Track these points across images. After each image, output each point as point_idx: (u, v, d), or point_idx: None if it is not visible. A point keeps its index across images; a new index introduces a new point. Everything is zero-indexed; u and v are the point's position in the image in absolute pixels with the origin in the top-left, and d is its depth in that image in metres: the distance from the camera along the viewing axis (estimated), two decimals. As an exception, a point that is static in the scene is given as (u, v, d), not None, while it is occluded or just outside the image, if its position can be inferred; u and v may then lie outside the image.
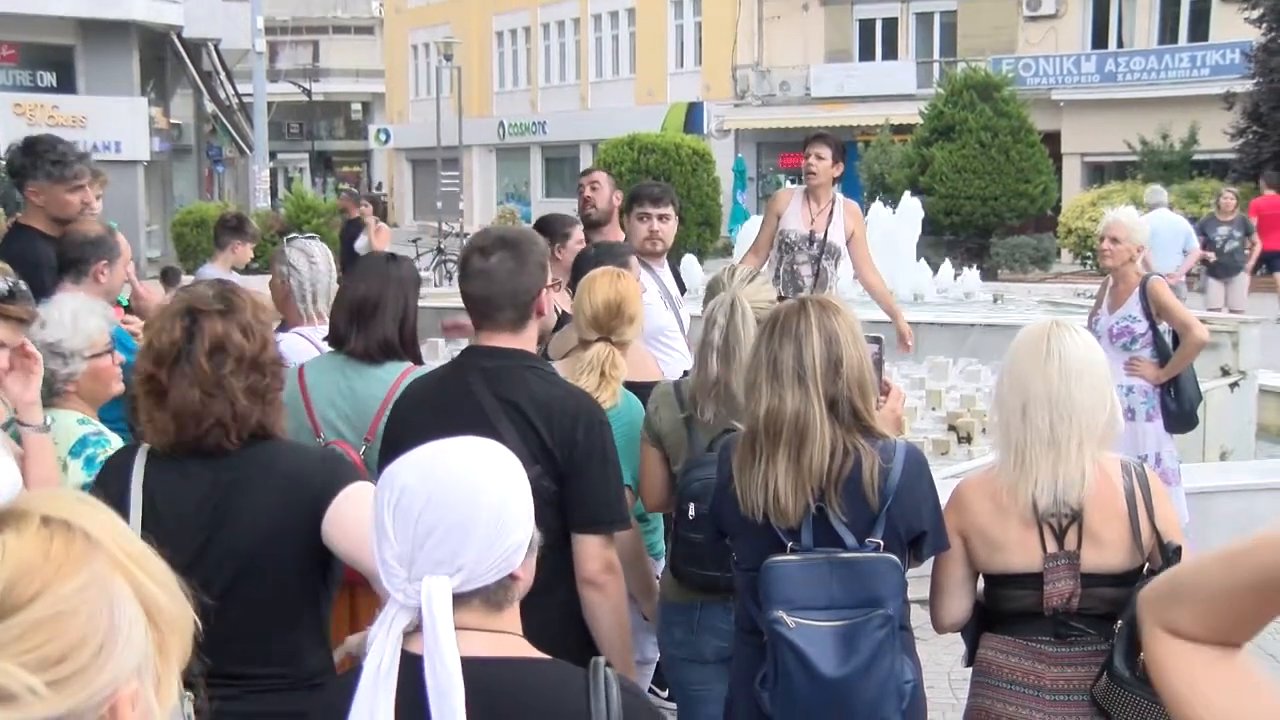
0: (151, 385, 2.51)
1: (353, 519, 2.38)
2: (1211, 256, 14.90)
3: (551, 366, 3.28)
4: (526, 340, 3.06)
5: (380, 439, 3.26)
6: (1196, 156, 26.53)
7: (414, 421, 3.03)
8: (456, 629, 1.72)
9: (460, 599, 1.73)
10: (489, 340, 3.03)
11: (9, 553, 1.01)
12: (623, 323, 3.67)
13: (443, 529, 1.70)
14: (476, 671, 1.71)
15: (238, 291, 2.61)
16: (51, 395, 3.37)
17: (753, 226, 13.90)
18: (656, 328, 5.43)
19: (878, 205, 15.98)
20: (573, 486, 2.91)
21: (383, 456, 3.15)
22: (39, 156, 4.93)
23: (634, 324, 3.72)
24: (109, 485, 2.54)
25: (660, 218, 5.66)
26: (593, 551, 2.91)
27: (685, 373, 4.17)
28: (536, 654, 1.81)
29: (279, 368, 2.60)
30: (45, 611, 1.00)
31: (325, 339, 3.85)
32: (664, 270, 5.74)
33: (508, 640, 1.78)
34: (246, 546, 2.46)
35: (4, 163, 5.16)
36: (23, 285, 3.13)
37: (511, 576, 1.77)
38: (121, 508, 2.46)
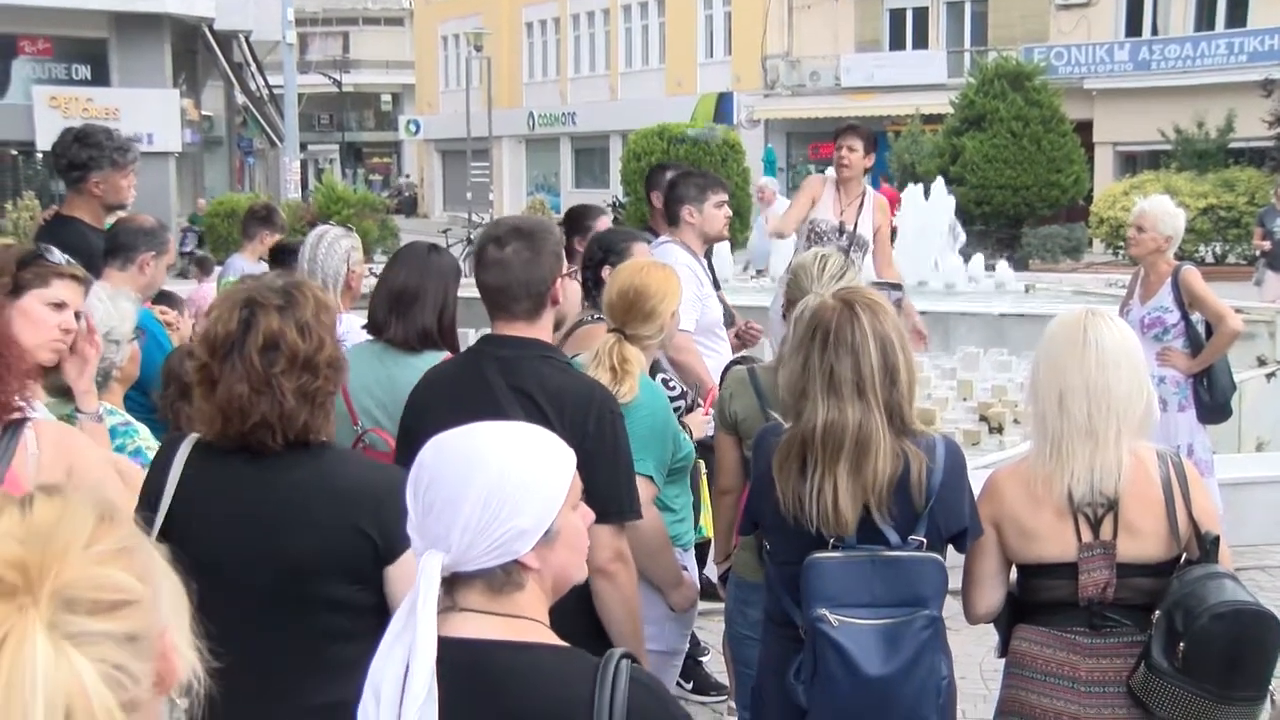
0: (204, 374, 2.46)
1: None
2: (1267, 245, 14.56)
3: (565, 356, 3.27)
4: (542, 329, 3.06)
5: None
6: (1233, 145, 26.23)
7: (428, 407, 3.07)
8: (460, 610, 1.74)
9: (462, 580, 1.74)
10: (505, 329, 3.04)
11: (82, 499, 1.11)
12: (636, 317, 3.57)
13: (438, 506, 1.73)
14: (478, 653, 1.71)
15: (303, 288, 2.54)
16: (109, 382, 3.44)
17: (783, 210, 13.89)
18: (713, 320, 5.40)
19: (911, 191, 15.87)
20: (583, 476, 2.90)
21: (399, 440, 3.19)
22: (101, 147, 4.96)
23: (653, 321, 3.59)
24: (154, 474, 2.54)
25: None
26: (603, 541, 2.89)
27: (742, 359, 4.14)
28: (553, 641, 1.80)
29: (335, 371, 2.52)
30: (125, 543, 1.11)
31: (364, 326, 3.88)
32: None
33: (521, 625, 1.76)
34: (289, 555, 2.40)
35: (55, 156, 5.16)
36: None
37: (519, 565, 1.75)
38: (159, 491, 2.48)
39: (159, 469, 2.55)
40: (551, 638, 1.80)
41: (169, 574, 1.15)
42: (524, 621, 1.77)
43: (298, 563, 2.40)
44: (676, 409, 3.96)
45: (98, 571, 1.06)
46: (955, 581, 3.10)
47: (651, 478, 3.34)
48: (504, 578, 1.75)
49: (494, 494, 1.72)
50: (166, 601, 1.12)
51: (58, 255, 3.18)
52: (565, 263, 3.12)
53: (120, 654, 1.04)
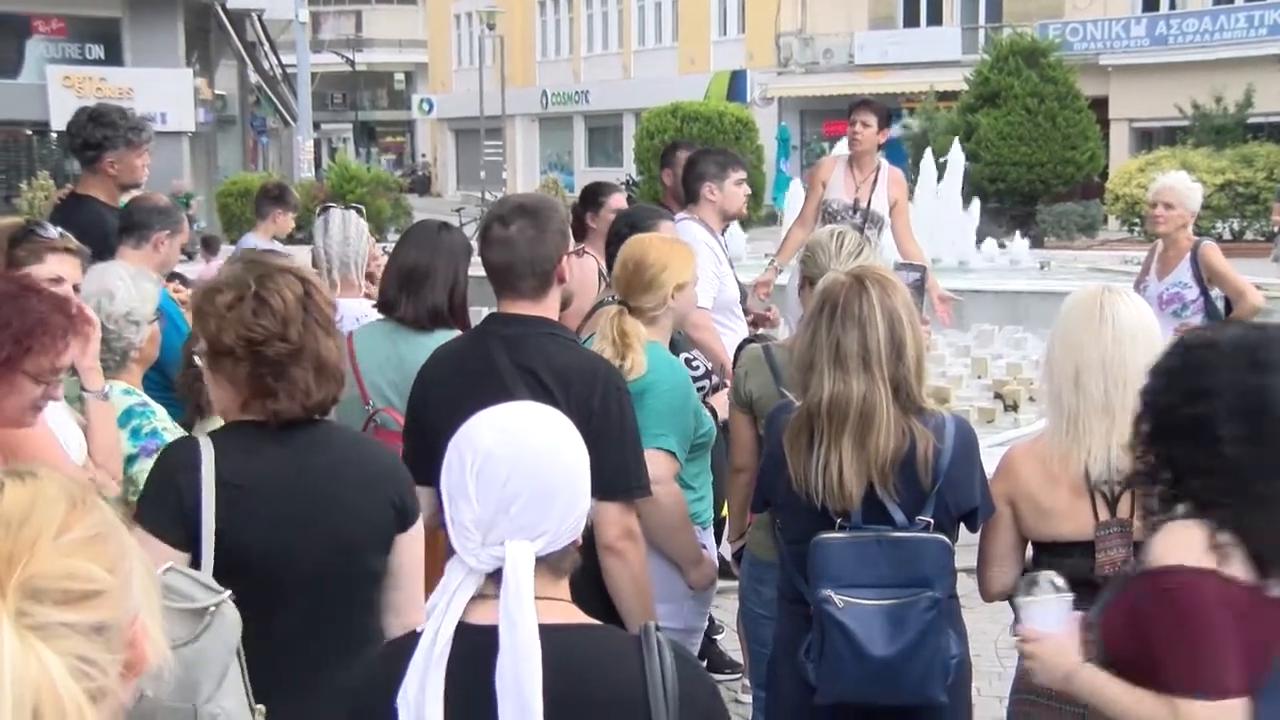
0: (279, 347, 2.37)
1: (416, 559, 2.47)
2: None
3: (571, 333, 3.26)
4: (547, 308, 3.06)
5: None
6: (1251, 120, 26.00)
7: (435, 386, 3.08)
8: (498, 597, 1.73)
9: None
10: (510, 308, 3.04)
11: (54, 484, 1.11)
12: (637, 288, 3.53)
13: (528, 495, 1.72)
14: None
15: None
16: (126, 362, 3.43)
17: (801, 190, 13.85)
18: (731, 299, 5.37)
19: (925, 165, 15.79)
20: (590, 453, 2.89)
21: (407, 418, 3.20)
22: (115, 126, 4.98)
23: (654, 292, 3.53)
24: (179, 482, 2.37)
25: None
26: (611, 518, 2.90)
27: (756, 337, 4.10)
28: (588, 620, 1.82)
29: None
30: (95, 530, 1.10)
31: (375, 305, 3.88)
32: None
33: (561, 607, 1.78)
34: (341, 535, 2.41)
35: (69, 136, 5.17)
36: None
37: (574, 543, 1.79)
38: (195, 500, 2.34)
39: (185, 472, 2.37)
40: (584, 617, 1.81)
41: (142, 559, 1.14)
42: (562, 604, 1.78)
43: (348, 541, 2.42)
44: (701, 389, 3.94)
45: (67, 562, 1.05)
46: (970, 560, 3.09)
47: (674, 453, 3.33)
48: (565, 559, 1.78)
49: (576, 478, 1.78)
50: (138, 588, 1.11)
51: (51, 230, 3.16)
52: (571, 240, 3.11)
53: (88, 645, 1.03)
